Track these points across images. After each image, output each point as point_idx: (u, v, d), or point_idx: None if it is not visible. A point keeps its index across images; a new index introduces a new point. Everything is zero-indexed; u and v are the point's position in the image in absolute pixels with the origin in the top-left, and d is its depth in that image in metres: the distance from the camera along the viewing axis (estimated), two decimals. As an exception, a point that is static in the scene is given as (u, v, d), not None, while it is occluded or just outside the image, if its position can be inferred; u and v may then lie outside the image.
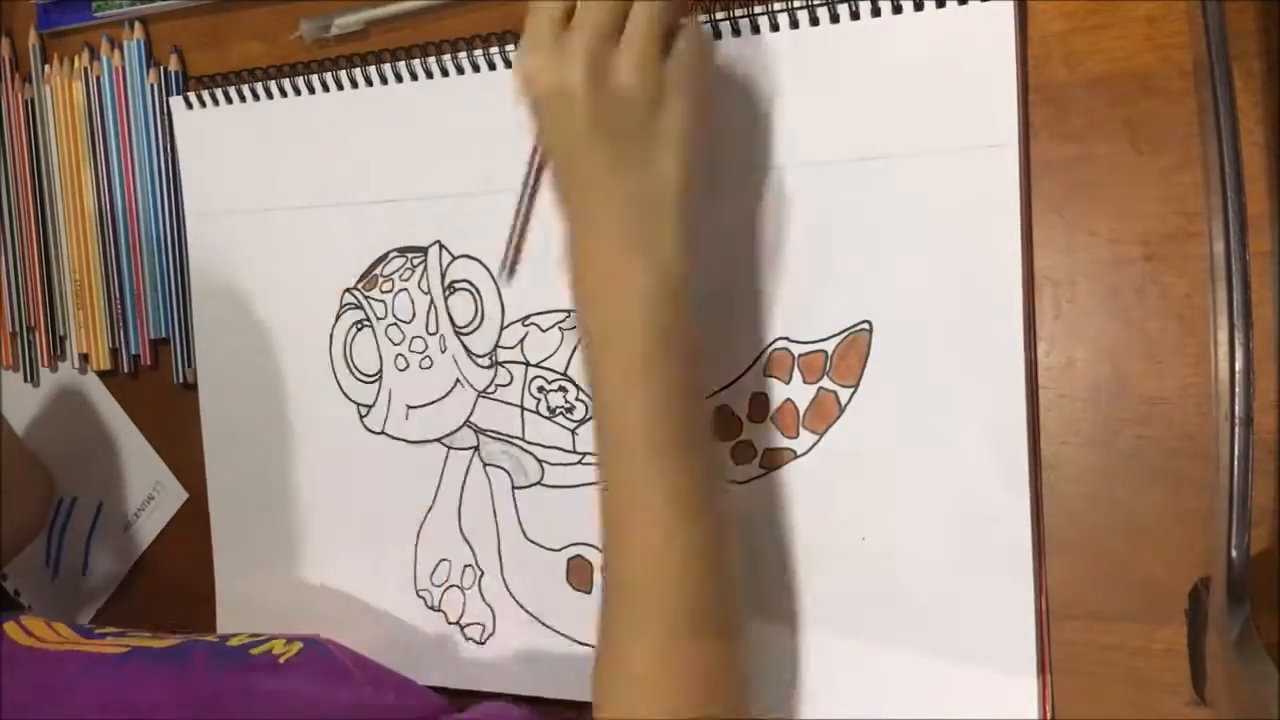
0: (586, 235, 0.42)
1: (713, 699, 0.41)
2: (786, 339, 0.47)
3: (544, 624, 0.53)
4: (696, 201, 0.42)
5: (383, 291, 0.56)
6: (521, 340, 0.52)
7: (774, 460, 0.48)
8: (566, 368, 0.51)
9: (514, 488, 0.53)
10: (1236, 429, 0.35)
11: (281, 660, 0.48)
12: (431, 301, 0.54)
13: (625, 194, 0.41)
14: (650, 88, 0.40)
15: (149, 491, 0.64)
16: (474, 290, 0.53)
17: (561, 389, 0.52)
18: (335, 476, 0.57)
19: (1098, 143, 0.43)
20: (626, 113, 0.40)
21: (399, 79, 0.54)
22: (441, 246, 0.54)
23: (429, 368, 0.55)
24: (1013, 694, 0.44)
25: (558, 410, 0.52)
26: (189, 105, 0.59)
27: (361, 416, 0.56)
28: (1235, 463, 0.35)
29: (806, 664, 0.47)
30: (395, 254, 0.55)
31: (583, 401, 0.51)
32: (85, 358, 0.64)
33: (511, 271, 0.43)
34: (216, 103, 0.58)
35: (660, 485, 0.40)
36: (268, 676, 0.47)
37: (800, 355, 0.47)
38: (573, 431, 0.52)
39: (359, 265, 0.56)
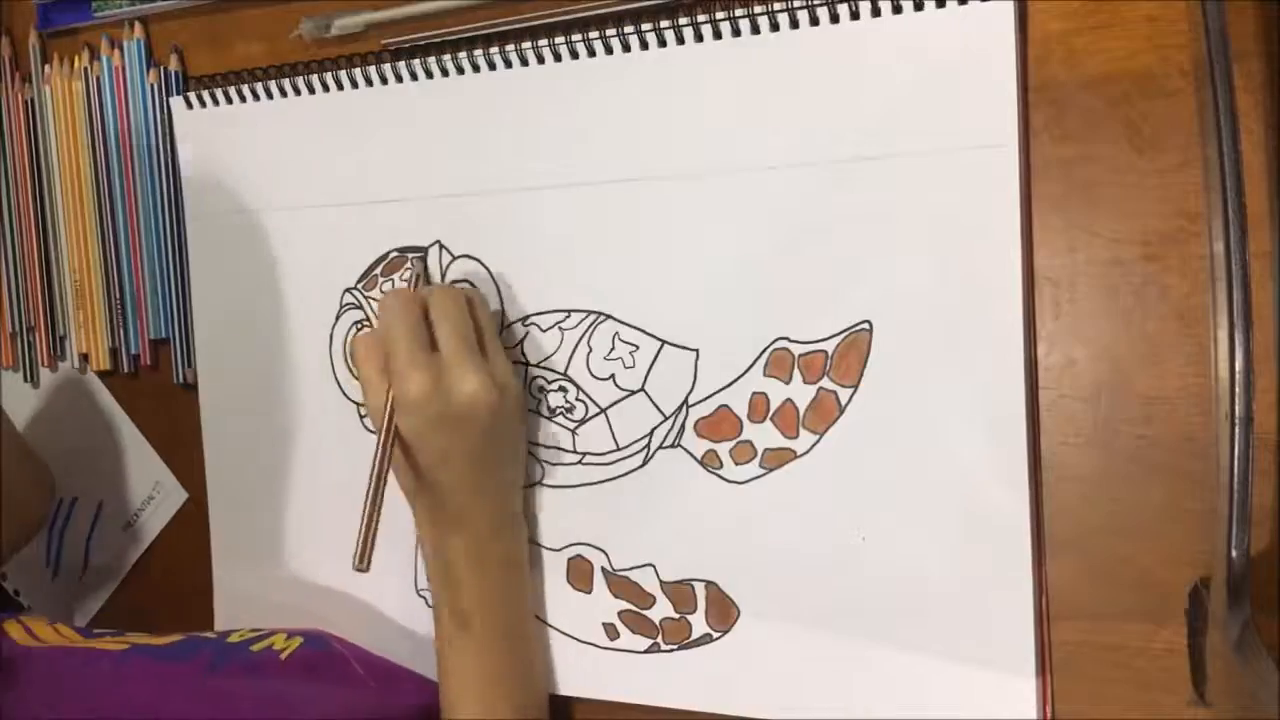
0: (461, 532, 0.48)
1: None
2: (786, 339, 0.47)
3: (544, 623, 0.53)
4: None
5: (383, 291, 0.56)
6: (521, 340, 0.52)
7: (774, 460, 0.48)
8: (566, 368, 0.51)
9: (514, 488, 0.53)
10: (1236, 429, 0.35)
11: (282, 657, 0.48)
12: (431, 301, 0.54)
13: (504, 484, 0.50)
14: (511, 389, 0.48)
15: (149, 491, 0.64)
16: (474, 290, 0.53)
17: (561, 389, 0.52)
18: (335, 476, 0.57)
19: (1098, 143, 0.43)
20: (505, 412, 0.47)
21: (399, 79, 0.54)
22: (441, 246, 0.54)
23: (429, 368, 0.55)
24: (1013, 694, 0.44)
25: (558, 410, 0.52)
26: (189, 105, 0.59)
27: (361, 416, 0.56)
28: (1235, 463, 0.35)
29: (806, 664, 0.47)
30: (395, 254, 0.55)
31: (583, 401, 0.51)
32: (85, 358, 0.64)
33: (366, 561, 0.46)
34: (216, 103, 0.58)
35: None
36: (268, 675, 0.47)
37: (800, 355, 0.47)
38: (573, 431, 0.52)
39: (359, 265, 0.56)
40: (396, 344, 0.46)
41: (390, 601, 0.56)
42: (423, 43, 0.53)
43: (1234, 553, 0.36)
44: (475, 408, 0.46)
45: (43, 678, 0.44)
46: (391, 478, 0.48)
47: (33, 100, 0.64)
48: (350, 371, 0.57)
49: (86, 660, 0.46)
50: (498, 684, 0.49)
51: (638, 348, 0.50)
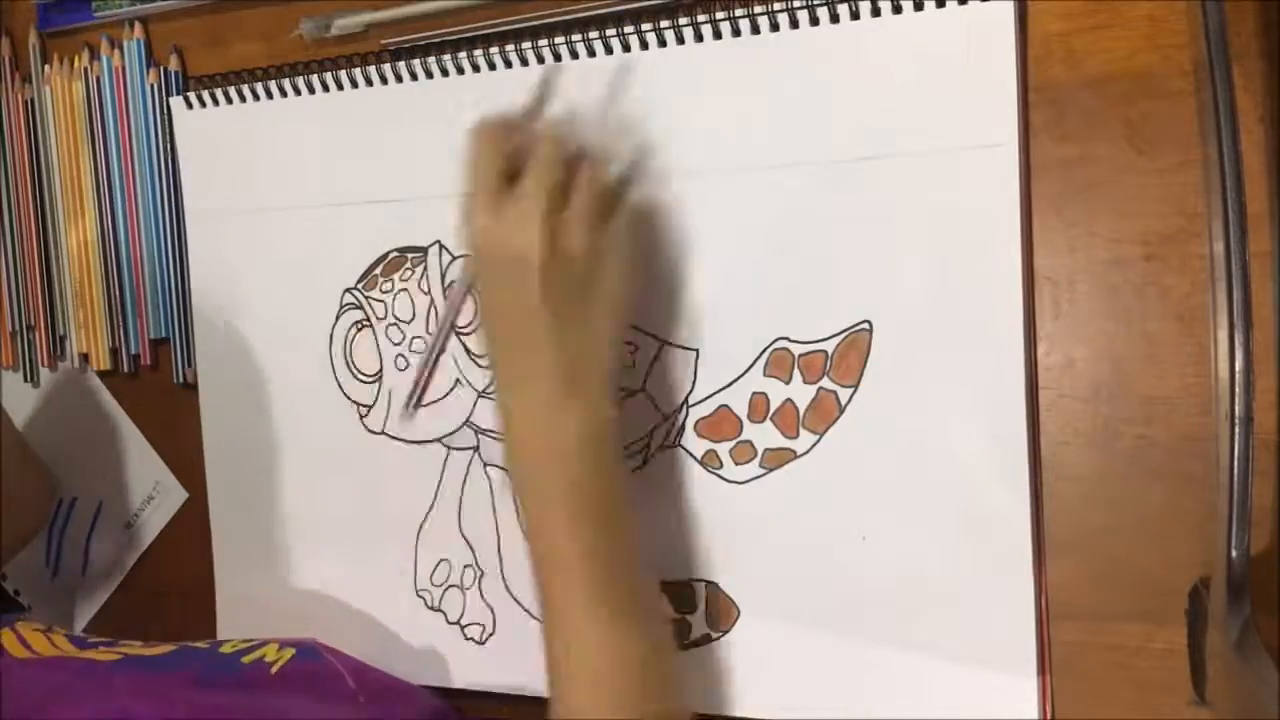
0: (523, 387, 0.44)
1: (637, 686, 0.43)
2: (786, 339, 0.47)
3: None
4: (621, 352, 0.47)
5: (383, 291, 0.56)
6: (521, 340, 0.52)
7: (774, 460, 0.48)
8: (566, 368, 0.51)
9: (514, 488, 0.53)
10: (1236, 429, 0.35)
11: (273, 670, 0.48)
12: (431, 301, 0.55)
13: (563, 350, 0.43)
14: (594, 254, 0.43)
15: (149, 491, 0.64)
16: (474, 290, 0.53)
17: (561, 389, 0.52)
18: (335, 476, 0.57)
19: (1098, 143, 0.43)
20: (572, 277, 0.43)
21: (399, 79, 0.54)
22: (441, 246, 0.54)
23: (429, 368, 0.55)
24: (1013, 694, 0.44)
25: (558, 410, 0.52)
26: (189, 105, 0.59)
27: (361, 416, 0.56)
28: (1235, 463, 0.35)
29: (807, 664, 0.47)
30: (395, 254, 0.55)
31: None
32: (85, 357, 0.64)
33: (416, 407, 0.47)
34: (216, 103, 0.58)
35: (596, 628, 0.43)
36: (258, 689, 0.47)
37: (800, 355, 0.47)
38: (573, 431, 0.51)
39: (359, 265, 0.56)
40: (470, 181, 0.44)
41: (390, 602, 0.56)
42: (422, 43, 0.53)
43: (1234, 553, 0.36)
44: (526, 258, 0.42)
45: (33, 690, 0.43)
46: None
47: (33, 100, 0.64)
48: (350, 370, 0.57)
49: (78, 672, 0.46)
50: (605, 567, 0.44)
51: (637, 348, 0.50)
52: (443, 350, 0.46)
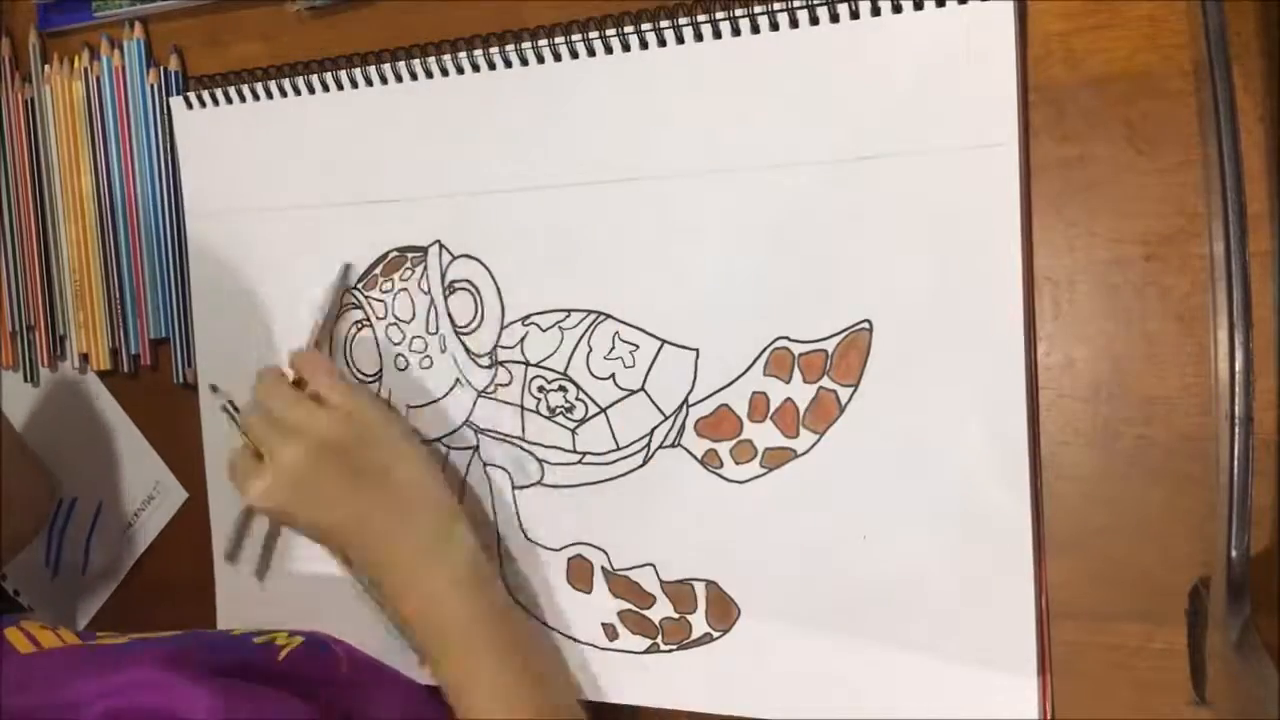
0: (386, 565, 0.49)
1: None
2: (787, 338, 0.47)
3: (544, 624, 0.53)
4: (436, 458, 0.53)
5: (383, 291, 0.56)
6: (521, 340, 0.52)
7: (774, 460, 0.48)
8: (566, 368, 0.51)
9: (514, 487, 0.53)
10: (1236, 429, 0.35)
11: (281, 655, 0.48)
12: (431, 301, 0.55)
13: (391, 516, 0.49)
14: (344, 427, 0.49)
15: (149, 491, 0.64)
16: (474, 290, 0.53)
17: (561, 389, 0.52)
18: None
19: (1098, 143, 0.43)
20: (341, 468, 0.48)
21: (399, 79, 0.54)
22: (441, 246, 0.54)
23: (429, 367, 0.55)
24: (1013, 694, 0.44)
25: (557, 410, 0.52)
26: (189, 105, 0.59)
27: (361, 416, 0.56)
28: (1235, 463, 0.35)
29: (807, 664, 0.47)
30: (395, 254, 0.55)
31: (583, 401, 0.51)
32: (85, 357, 0.64)
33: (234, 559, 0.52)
34: (216, 103, 0.58)
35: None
36: (268, 670, 0.47)
37: (800, 354, 0.47)
38: (573, 431, 0.52)
39: (359, 265, 0.56)
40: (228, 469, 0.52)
41: (390, 601, 0.56)
42: (422, 43, 0.53)
43: (1234, 553, 0.36)
44: (268, 502, 0.49)
45: (44, 680, 0.44)
46: None
47: (33, 100, 0.64)
48: (350, 370, 0.57)
49: (88, 656, 0.46)
50: (520, 695, 0.47)
51: (638, 347, 0.50)
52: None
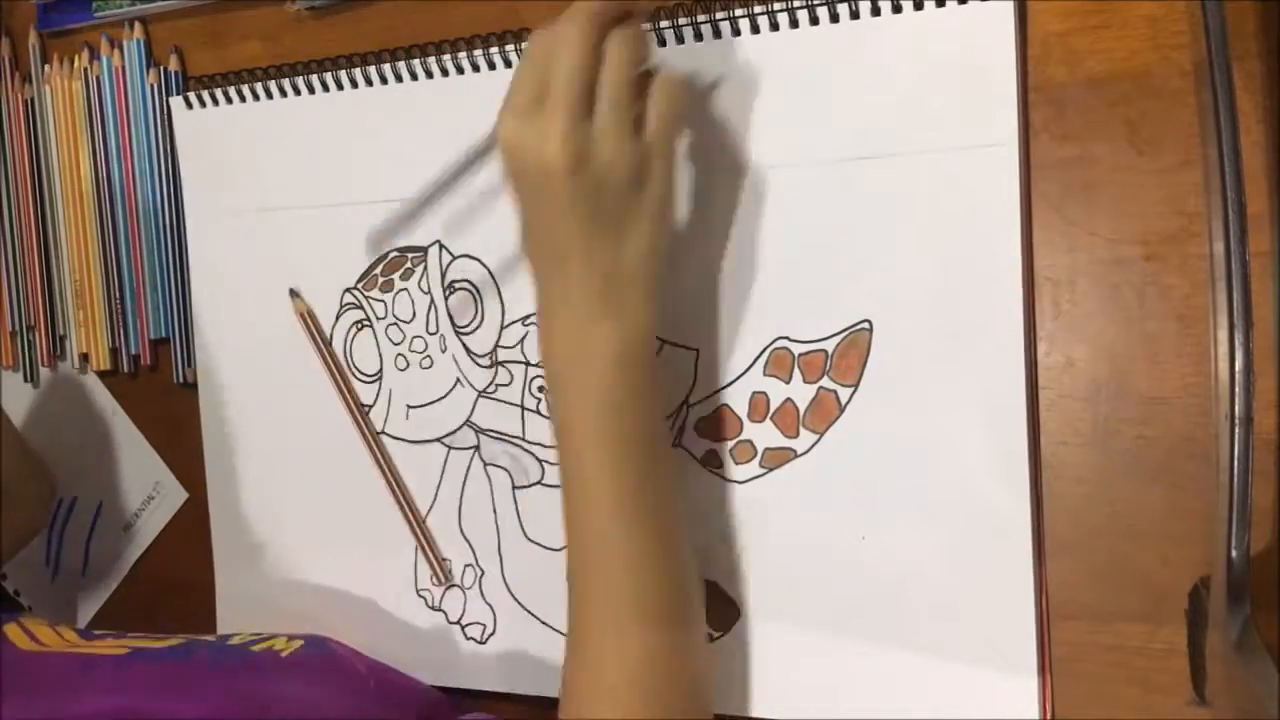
0: (558, 302, 0.43)
1: (672, 692, 0.42)
2: (786, 338, 0.47)
3: (544, 623, 0.53)
4: (666, 265, 0.44)
5: (383, 291, 0.56)
6: (521, 340, 0.52)
7: (774, 460, 0.48)
8: (566, 368, 0.51)
9: (514, 487, 0.53)
10: (1236, 429, 0.35)
11: (283, 655, 0.48)
12: (431, 301, 0.55)
13: (599, 265, 0.42)
14: (627, 164, 0.41)
15: (149, 491, 0.64)
16: (474, 290, 0.53)
17: (561, 389, 0.52)
18: (335, 476, 0.57)
19: (1098, 143, 0.43)
20: (605, 190, 0.41)
21: (399, 79, 0.54)
22: (441, 246, 0.54)
23: (429, 367, 0.55)
24: (1013, 694, 0.44)
25: (558, 410, 0.52)
26: (189, 105, 0.59)
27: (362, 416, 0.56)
28: (1235, 463, 0.35)
29: (807, 664, 0.47)
30: (395, 254, 0.55)
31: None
32: (85, 357, 0.64)
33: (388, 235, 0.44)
34: (216, 103, 0.58)
35: (617, 510, 0.42)
36: (269, 675, 0.47)
37: (800, 354, 0.47)
38: (573, 431, 0.51)
39: (359, 265, 0.56)
40: (509, 90, 0.42)
41: (390, 602, 0.56)
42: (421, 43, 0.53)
43: (1234, 553, 0.36)
44: (551, 168, 0.40)
45: (44, 683, 0.44)
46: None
47: (33, 100, 0.64)
48: (350, 370, 0.57)
49: (85, 663, 0.46)
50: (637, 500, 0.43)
51: (638, 348, 0.50)
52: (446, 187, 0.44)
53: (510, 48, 0.51)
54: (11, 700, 0.42)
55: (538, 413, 0.52)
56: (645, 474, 0.43)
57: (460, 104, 0.53)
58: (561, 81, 0.40)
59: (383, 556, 0.56)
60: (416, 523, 0.45)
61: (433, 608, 0.56)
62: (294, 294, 0.57)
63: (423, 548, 0.45)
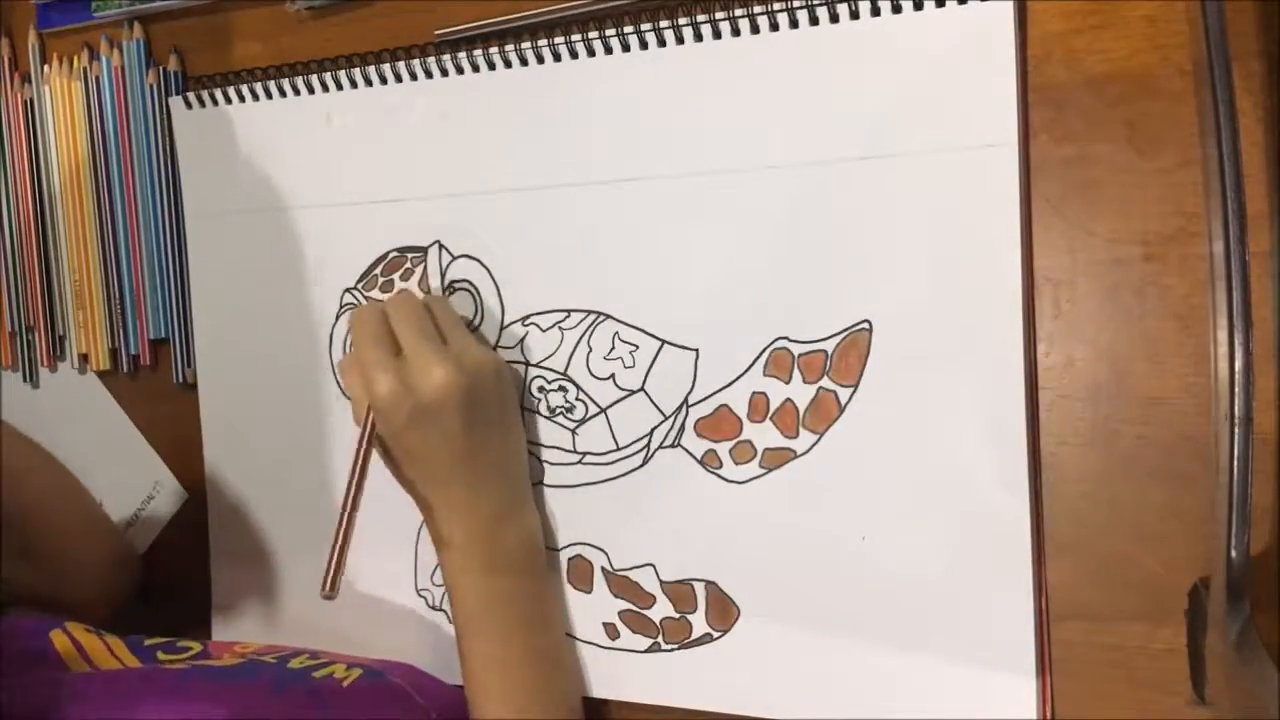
0: (460, 517, 0.48)
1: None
2: (786, 338, 0.47)
3: (544, 624, 0.53)
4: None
5: (382, 291, 0.56)
6: (521, 340, 0.52)
7: (774, 460, 0.48)
8: (566, 368, 0.51)
9: (514, 488, 0.53)
10: (1236, 429, 0.35)
11: (344, 684, 0.48)
12: (431, 301, 0.54)
13: (493, 471, 0.49)
14: (487, 367, 0.48)
15: (149, 491, 0.64)
16: (474, 290, 0.53)
17: (561, 389, 0.52)
18: (335, 476, 0.57)
19: (1098, 143, 0.43)
20: (478, 400, 0.47)
21: (398, 79, 0.54)
22: (441, 246, 0.54)
23: (429, 368, 0.55)
24: (1013, 694, 0.44)
25: (557, 410, 0.52)
26: (189, 105, 0.59)
27: (361, 416, 0.56)
28: (1235, 463, 0.35)
29: (806, 664, 0.47)
30: (395, 254, 0.55)
31: (583, 401, 0.51)
32: (85, 358, 0.64)
33: (333, 587, 0.46)
34: (216, 103, 0.58)
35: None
36: (333, 703, 0.46)
37: (800, 355, 0.47)
38: (572, 432, 0.52)
39: (359, 265, 0.56)
40: (362, 354, 0.47)
41: (390, 602, 0.56)
42: (476, 33, 0.53)
43: (1234, 553, 0.36)
44: (445, 395, 0.46)
45: (99, 699, 0.42)
46: (392, 485, 0.49)
47: (33, 100, 0.64)
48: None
49: (143, 679, 0.45)
50: (518, 678, 0.48)
51: (638, 347, 0.50)
52: (352, 520, 0.47)
53: (510, 48, 0.51)
54: (71, 713, 0.41)
55: (537, 413, 0.52)
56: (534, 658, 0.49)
57: (460, 104, 0.53)
58: (416, 325, 0.47)
59: (382, 556, 0.56)
60: (341, 525, 0.46)
61: (433, 607, 0.56)
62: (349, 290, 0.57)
63: (334, 550, 0.46)
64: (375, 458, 0.48)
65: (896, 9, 0.44)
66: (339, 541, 0.46)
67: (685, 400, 0.49)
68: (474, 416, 0.47)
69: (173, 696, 0.43)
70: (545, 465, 0.52)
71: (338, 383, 0.57)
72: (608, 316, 0.51)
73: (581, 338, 0.51)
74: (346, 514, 0.47)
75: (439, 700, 0.50)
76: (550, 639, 0.51)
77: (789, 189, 0.47)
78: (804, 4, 0.45)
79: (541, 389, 0.52)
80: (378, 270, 0.56)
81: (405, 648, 0.55)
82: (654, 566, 0.50)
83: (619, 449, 0.51)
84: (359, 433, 0.48)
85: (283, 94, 0.57)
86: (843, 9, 0.45)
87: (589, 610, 0.52)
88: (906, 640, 0.46)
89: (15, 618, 0.48)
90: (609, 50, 0.49)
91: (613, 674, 0.52)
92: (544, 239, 0.52)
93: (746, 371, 0.48)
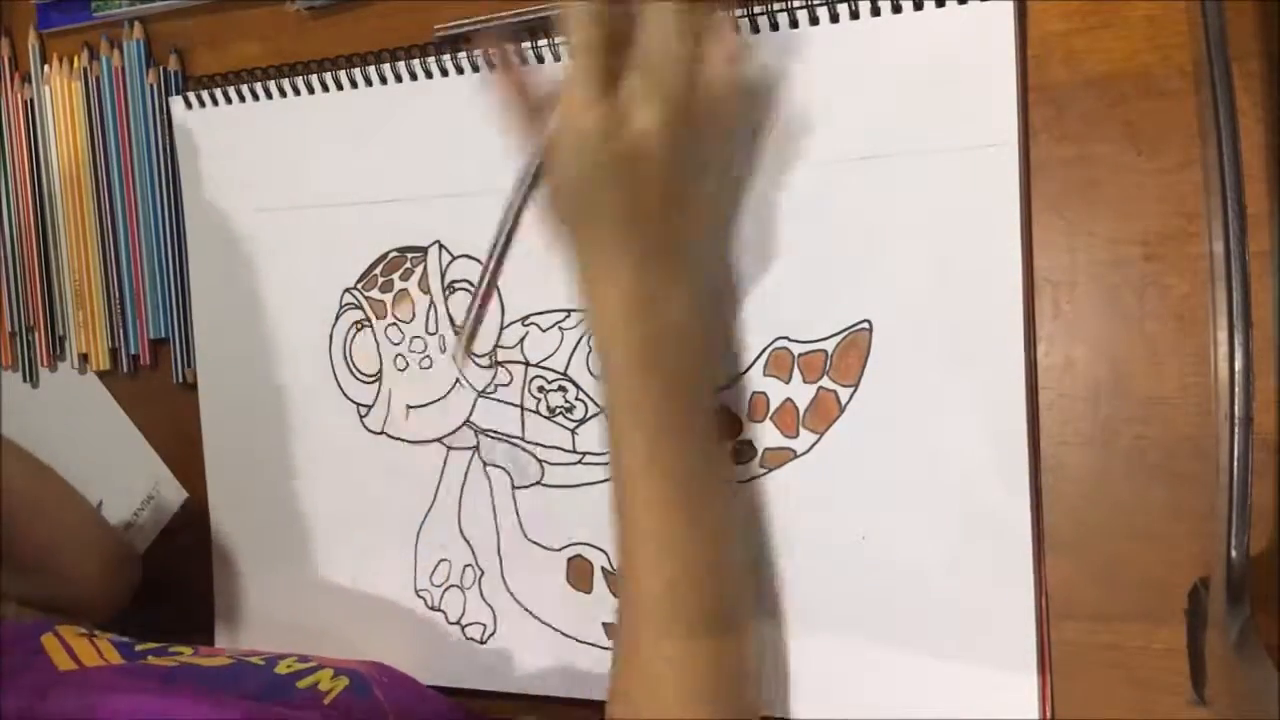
0: (615, 266, 0.41)
1: (728, 697, 0.42)
2: (786, 338, 0.47)
3: (544, 623, 0.53)
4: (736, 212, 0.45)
5: (382, 291, 0.56)
6: (521, 340, 0.52)
7: (774, 460, 0.48)
8: (566, 368, 0.51)
9: (514, 487, 0.53)
10: (1236, 429, 0.35)
11: (326, 700, 0.47)
12: (431, 301, 0.55)
13: (674, 236, 0.41)
14: (717, 124, 0.40)
15: (149, 491, 0.64)
16: (474, 290, 0.53)
17: (561, 389, 0.52)
18: (335, 477, 0.57)
19: (1098, 143, 0.43)
20: (694, 156, 0.39)
21: (399, 79, 0.54)
22: (441, 246, 0.54)
23: (429, 368, 0.55)
24: (1013, 694, 0.44)
25: (557, 410, 0.52)
26: (189, 105, 0.59)
27: (361, 416, 0.56)
28: (1235, 463, 0.35)
29: (806, 664, 0.47)
30: (395, 254, 0.55)
31: (583, 401, 0.51)
32: (85, 358, 0.64)
33: (465, 351, 0.41)
34: (216, 103, 0.58)
35: (664, 501, 0.41)
36: (311, 716, 0.46)
37: (800, 354, 0.47)
38: (572, 431, 0.52)
39: (359, 265, 0.56)
40: (572, 70, 0.39)
41: (390, 601, 0.56)
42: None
43: (1234, 553, 0.36)
44: (647, 146, 0.38)
45: (83, 687, 0.42)
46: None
47: (33, 100, 0.64)
48: (350, 370, 0.57)
49: (132, 672, 0.45)
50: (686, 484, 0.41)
51: (638, 348, 0.50)
52: (498, 271, 0.41)
53: (509, 47, 0.51)
54: (55, 709, 0.41)
55: (537, 413, 0.52)
56: (698, 460, 0.41)
57: (459, 104, 0.53)
58: (653, 52, 0.38)
59: (382, 556, 0.56)
60: (484, 279, 0.42)
61: (432, 608, 0.56)
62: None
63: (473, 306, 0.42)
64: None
65: (896, 9, 0.44)
66: (479, 299, 0.42)
67: (685, 400, 0.49)
68: (671, 185, 0.39)
69: (153, 692, 0.43)
70: (545, 465, 0.52)
71: (338, 382, 0.57)
72: (608, 316, 0.50)
73: (582, 338, 0.51)
74: (492, 268, 0.41)
75: (412, 703, 0.50)
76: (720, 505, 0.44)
77: (789, 189, 0.47)
78: (804, 4, 0.45)
79: (541, 389, 0.52)
80: (378, 270, 0.56)
81: (405, 649, 0.55)
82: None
83: (619, 449, 0.51)
84: (525, 163, 0.41)
85: (283, 94, 0.57)
86: (843, 9, 0.45)
87: (589, 610, 0.52)
88: (906, 640, 0.46)
89: (9, 621, 0.48)
90: (609, 50, 0.49)
91: (613, 674, 0.52)
92: (544, 239, 0.51)
93: (746, 371, 0.48)
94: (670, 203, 0.40)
